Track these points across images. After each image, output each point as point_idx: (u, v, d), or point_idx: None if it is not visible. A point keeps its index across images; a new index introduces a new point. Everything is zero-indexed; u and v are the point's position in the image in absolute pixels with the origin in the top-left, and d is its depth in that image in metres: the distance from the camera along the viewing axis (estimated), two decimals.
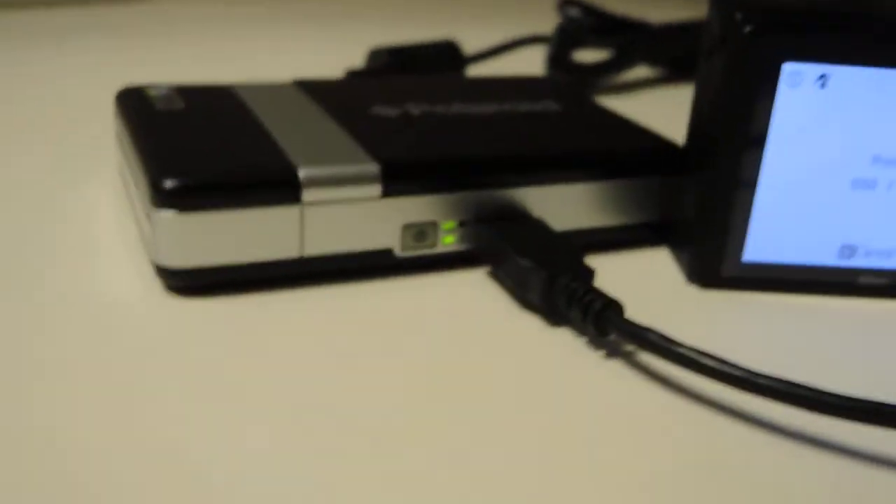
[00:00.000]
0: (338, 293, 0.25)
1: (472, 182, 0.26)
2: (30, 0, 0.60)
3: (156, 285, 0.25)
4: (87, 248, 0.27)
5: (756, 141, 0.25)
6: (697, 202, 0.27)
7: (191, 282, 0.24)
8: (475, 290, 0.26)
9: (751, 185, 0.26)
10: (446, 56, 0.46)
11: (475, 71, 0.49)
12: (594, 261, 0.28)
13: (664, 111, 0.46)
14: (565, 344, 0.24)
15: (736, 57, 0.25)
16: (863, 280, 0.27)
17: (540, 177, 0.27)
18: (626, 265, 0.29)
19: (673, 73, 0.53)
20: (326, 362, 0.22)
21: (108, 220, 0.29)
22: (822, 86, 0.25)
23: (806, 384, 0.20)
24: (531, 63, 0.51)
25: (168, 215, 0.23)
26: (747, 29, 0.25)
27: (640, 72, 0.53)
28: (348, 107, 0.30)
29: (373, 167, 0.25)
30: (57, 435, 0.19)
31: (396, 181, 0.25)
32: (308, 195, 0.24)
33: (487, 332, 0.24)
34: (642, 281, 0.28)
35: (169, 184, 0.23)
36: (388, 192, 0.25)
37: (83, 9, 0.61)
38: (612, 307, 0.23)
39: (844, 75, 0.25)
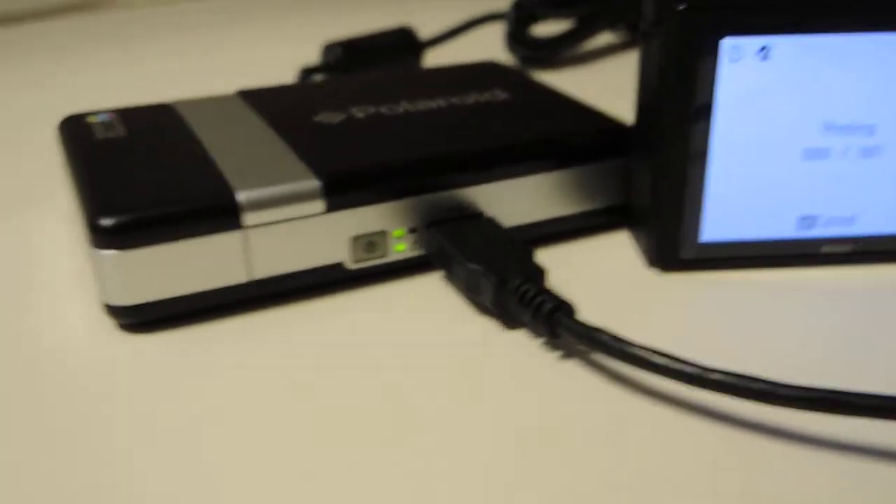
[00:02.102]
0: (291, 314, 0.25)
1: (418, 187, 0.26)
2: None
3: (107, 323, 0.24)
4: (38, 283, 0.27)
5: (702, 119, 0.25)
6: (650, 185, 0.26)
7: (140, 318, 0.24)
8: (429, 297, 0.26)
9: (701, 163, 0.26)
10: (402, 43, 0.46)
11: (434, 55, 0.48)
12: (552, 251, 0.28)
13: (629, 78, 0.45)
14: (520, 346, 0.23)
15: (673, 37, 0.24)
16: (826, 249, 0.27)
17: (487, 174, 0.27)
18: (586, 253, 0.28)
19: (636, 37, 0.52)
20: (283, 390, 0.22)
21: (61, 253, 0.28)
22: (764, 58, 0.25)
23: (760, 377, 0.19)
24: (490, 42, 0.50)
25: (108, 254, 0.23)
26: (681, 7, 0.24)
27: (602, 39, 0.52)
28: (292, 117, 0.29)
29: (314, 183, 0.24)
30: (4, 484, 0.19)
31: (340, 195, 0.25)
32: (249, 219, 0.24)
33: (442, 341, 0.24)
34: (602, 269, 0.27)
35: (106, 222, 0.23)
36: (332, 207, 0.25)
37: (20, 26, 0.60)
38: (561, 309, 0.22)
39: (785, 45, 0.24)
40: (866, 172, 0.26)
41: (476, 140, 0.28)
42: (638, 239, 0.28)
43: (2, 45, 0.55)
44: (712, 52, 0.24)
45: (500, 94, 0.31)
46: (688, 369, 0.20)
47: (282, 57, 0.49)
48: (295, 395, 0.22)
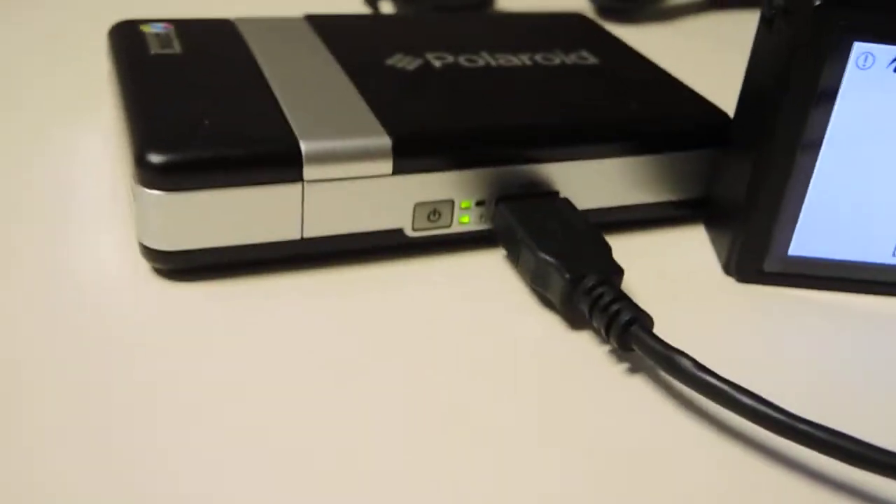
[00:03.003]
0: (340, 278, 0.23)
1: (493, 157, 0.24)
2: None
3: (142, 266, 0.23)
4: (72, 214, 0.25)
5: (817, 126, 0.23)
6: (746, 184, 0.24)
7: (178, 264, 0.22)
8: (490, 278, 0.24)
9: (807, 173, 0.23)
10: None
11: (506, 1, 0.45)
12: (620, 239, 0.26)
13: (706, 46, 0.42)
14: (584, 353, 0.21)
15: (801, 32, 0.22)
16: None
17: (570, 152, 0.24)
18: (657, 247, 0.26)
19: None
20: (326, 361, 0.20)
21: (99, 177, 0.26)
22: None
23: (852, 436, 0.18)
24: None
25: (153, 194, 0.21)
26: (817, 1, 0.21)
27: None
28: (363, 55, 0.27)
29: (384, 141, 0.22)
30: (33, 435, 0.17)
31: (410, 157, 0.23)
32: (311, 172, 0.22)
33: (500, 331, 0.22)
34: (674, 269, 0.25)
35: (155, 159, 0.21)
36: (399, 169, 0.23)
37: None
38: (639, 321, 0.20)
39: None
40: None
41: (562, 112, 0.25)
42: (716, 240, 0.26)
43: None
44: (842, 56, 0.22)
45: (589, 58, 0.29)
46: (775, 415, 0.18)
47: None
48: (332, 368, 0.20)
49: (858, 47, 0.22)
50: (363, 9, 0.41)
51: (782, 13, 0.22)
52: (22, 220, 0.24)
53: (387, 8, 0.43)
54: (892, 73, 0.22)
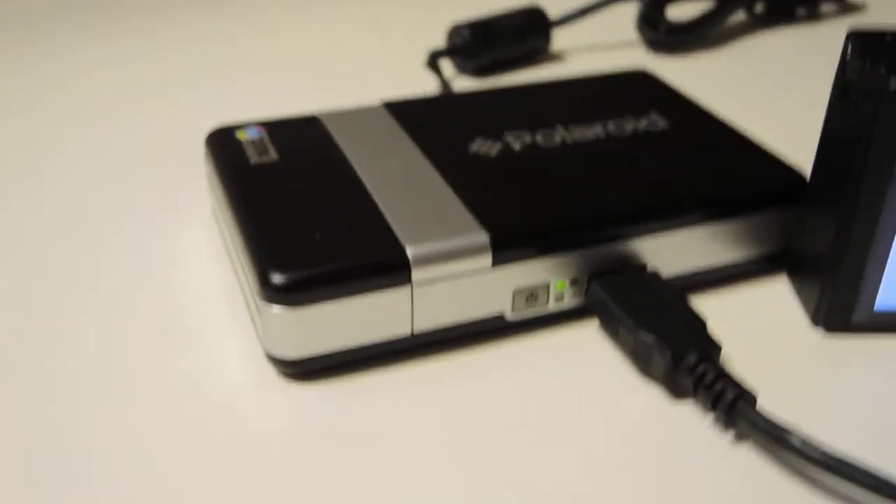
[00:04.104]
0: (449, 366, 0.25)
1: (584, 241, 0.25)
2: None
3: (269, 370, 0.24)
4: (191, 322, 0.27)
5: None
6: (830, 244, 0.25)
7: (303, 369, 0.24)
8: (588, 351, 0.25)
9: (892, 228, 0.24)
10: (531, 23, 0.44)
11: (562, 35, 0.47)
12: (706, 297, 0.27)
13: (762, 66, 0.43)
14: (689, 427, 0.23)
15: (881, 113, 0.23)
16: None
17: (656, 226, 0.26)
18: (743, 303, 0.27)
19: (766, 16, 0.49)
20: (444, 446, 0.22)
21: (210, 283, 0.28)
22: None
23: None
24: (621, 24, 0.47)
25: (277, 309, 0.23)
26: (894, 86, 0.22)
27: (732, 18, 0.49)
28: (446, 144, 0.28)
29: (482, 237, 0.24)
30: None
31: (507, 249, 0.24)
32: (418, 275, 0.23)
33: (605, 407, 0.23)
34: (763, 324, 0.26)
35: (278, 280, 0.22)
36: (498, 261, 0.24)
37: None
38: (744, 398, 0.22)
39: None
40: None
41: (642, 188, 0.26)
42: (802, 292, 0.27)
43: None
44: None
45: (660, 121, 0.30)
46: (891, 490, 0.19)
47: (407, 39, 0.47)
48: (450, 457, 0.22)
49: None
50: (427, 74, 0.43)
51: (860, 91, 0.23)
52: (145, 331, 0.26)
53: (446, 66, 0.44)
54: None
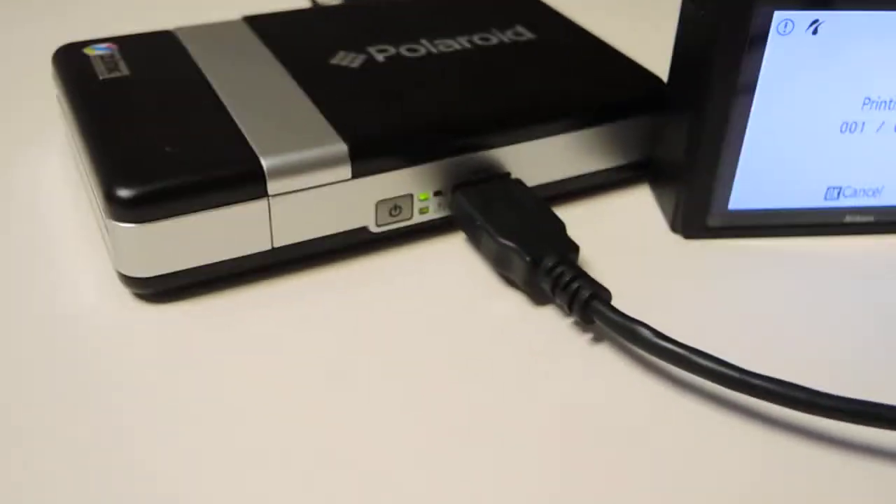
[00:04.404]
0: (311, 281, 0.24)
1: (446, 150, 0.25)
2: None
3: (121, 290, 0.24)
4: (42, 243, 0.25)
5: (746, 89, 0.24)
6: (685, 148, 0.26)
7: (156, 288, 0.23)
8: (453, 263, 0.25)
9: (739, 132, 0.25)
10: None
11: None
12: (570, 208, 0.27)
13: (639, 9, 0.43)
14: (549, 329, 0.23)
15: (726, 6, 0.23)
16: (849, 219, 0.27)
17: (518, 135, 0.26)
18: (605, 211, 0.28)
19: None
20: (312, 362, 0.22)
21: (62, 205, 0.27)
22: (814, 32, 0.24)
23: (802, 385, 0.19)
24: None
25: (126, 227, 0.22)
26: None
27: None
28: (307, 56, 0.27)
29: (341, 148, 0.23)
30: (23, 451, 0.18)
31: (366, 160, 0.24)
32: (275, 187, 0.23)
33: (467, 315, 0.23)
34: (623, 230, 0.27)
35: (124, 194, 0.21)
36: (358, 173, 0.24)
37: None
38: (598, 296, 0.22)
39: (836, 20, 0.23)
40: None
41: (506, 98, 0.26)
42: (661, 199, 0.28)
43: None
44: (764, 25, 0.23)
45: (525, 33, 0.30)
46: (731, 373, 0.20)
47: None
48: (319, 368, 0.22)
49: (779, 15, 0.23)
50: None
51: None
52: None
53: None
54: (811, 35, 0.24)
